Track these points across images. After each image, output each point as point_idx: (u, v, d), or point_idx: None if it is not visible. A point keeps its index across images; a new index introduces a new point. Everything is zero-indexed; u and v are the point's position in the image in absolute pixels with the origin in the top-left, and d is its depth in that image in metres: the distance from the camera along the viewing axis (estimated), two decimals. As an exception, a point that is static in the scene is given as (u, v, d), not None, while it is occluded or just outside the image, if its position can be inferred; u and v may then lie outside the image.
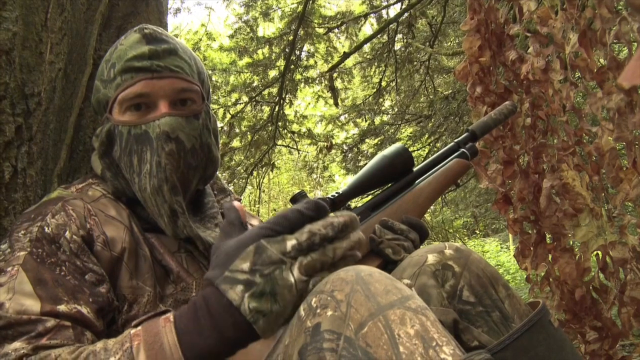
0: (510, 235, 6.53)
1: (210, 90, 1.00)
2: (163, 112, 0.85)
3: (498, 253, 6.78)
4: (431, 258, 0.83)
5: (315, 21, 5.30)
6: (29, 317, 0.70)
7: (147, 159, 0.84)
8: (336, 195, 0.93)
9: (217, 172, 0.99)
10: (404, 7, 4.89)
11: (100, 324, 0.77)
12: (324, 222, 0.66)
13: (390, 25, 5.02)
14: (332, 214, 0.68)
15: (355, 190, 0.96)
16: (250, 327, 0.63)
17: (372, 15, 5.49)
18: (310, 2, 4.93)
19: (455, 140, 1.10)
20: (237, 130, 5.72)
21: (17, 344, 0.69)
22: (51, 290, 0.74)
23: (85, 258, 0.79)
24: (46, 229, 0.78)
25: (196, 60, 0.94)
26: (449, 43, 5.81)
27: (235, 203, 0.73)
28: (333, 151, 6.39)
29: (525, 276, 1.60)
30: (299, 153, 7.69)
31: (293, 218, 0.65)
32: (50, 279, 0.75)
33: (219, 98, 5.78)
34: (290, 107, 5.95)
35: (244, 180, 6.02)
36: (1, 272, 0.75)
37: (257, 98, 5.63)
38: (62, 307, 0.73)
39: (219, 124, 5.53)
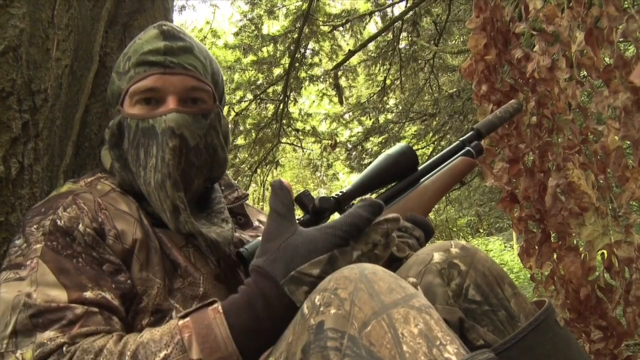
0: (514, 234, 6.52)
1: (225, 91, 1.00)
2: (171, 107, 0.85)
3: (502, 252, 6.76)
4: (437, 256, 0.83)
5: (320, 19, 5.30)
6: (58, 304, 0.71)
7: (153, 153, 0.84)
8: (340, 194, 0.93)
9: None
10: (408, 5, 4.87)
11: (124, 310, 0.77)
12: (382, 231, 0.71)
13: (395, 24, 5.01)
14: (383, 217, 0.72)
15: (360, 189, 0.96)
16: None
17: (376, 13, 5.48)
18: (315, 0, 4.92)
19: (461, 139, 1.09)
20: (242, 128, 5.73)
21: (50, 333, 0.69)
22: (75, 278, 0.74)
23: (101, 249, 0.79)
24: (59, 222, 0.78)
25: (212, 62, 0.94)
26: (454, 41, 5.79)
27: (284, 180, 0.76)
28: (337, 149, 6.39)
29: (528, 275, 1.60)
30: (303, 151, 7.69)
31: (363, 226, 0.70)
32: (71, 268, 0.75)
33: (223, 95, 5.77)
34: (294, 105, 5.95)
35: (248, 178, 6.03)
36: (21, 266, 0.75)
37: (261, 96, 5.62)
38: (88, 294, 0.73)
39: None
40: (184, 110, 0.86)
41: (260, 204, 9.22)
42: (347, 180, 10.62)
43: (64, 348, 0.67)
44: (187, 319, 0.68)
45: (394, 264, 0.90)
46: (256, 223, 1.05)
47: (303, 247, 0.68)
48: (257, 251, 0.72)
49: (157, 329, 0.68)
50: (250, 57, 5.68)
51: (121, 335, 0.70)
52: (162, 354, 0.64)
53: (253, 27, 5.58)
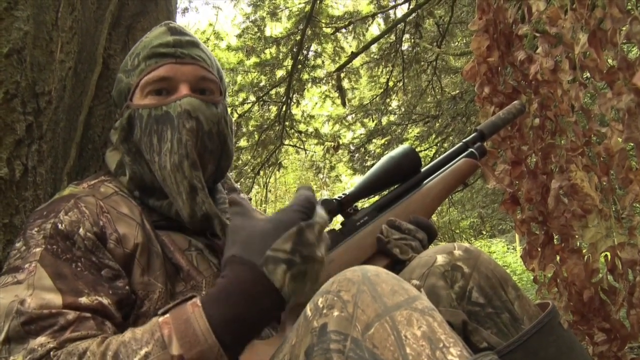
0: (516, 236, 6.50)
1: (227, 92, 1.02)
2: (184, 93, 0.88)
3: (505, 254, 6.76)
4: (440, 259, 0.83)
5: (323, 21, 5.31)
6: (50, 311, 0.71)
7: (167, 138, 0.86)
8: (343, 196, 0.93)
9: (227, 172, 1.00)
10: (411, 7, 4.87)
11: (120, 316, 0.77)
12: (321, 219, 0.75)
13: (398, 26, 5.01)
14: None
15: (362, 191, 0.96)
16: (285, 305, 0.69)
17: (379, 15, 5.48)
18: (318, 2, 4.92)
19: (464, 140, 1.09)
20: (244, 130, 5.73)
21: (42, 339, 0.69)
22: (71, 283, 0.74)
23: (101, 254, 0.79)
24: (59, 225, 0.79)
25: (215, 59, 0.97)
26: (457, 43, 5.79)
27: (237, 197, 0.83)
28: (340, 151, 6.39)
29: (531, 277, 1.60)
30: (305, 153, 7.69)
31: (313, 200, 0.75)
32: (69, 273, 0.75)
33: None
34: (297, 106, 5.95)
35: (250, 180, 6.03)
36: (19, 269, 0.75)
37: (264, 98, 5.63)
38: (83, 299, 0.73)
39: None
40: (197, 96, 0.88)
41: (263, 206, 9.22)
42: (350, 182, 10.62)
43: (52, 353, 0.67)
44: (167, 315, 0.68)
45: (397, 266, 0.90)
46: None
47: (270, 228, 0.71)
48: (225, 247, 0.74)
49: (139, 328, 0.68)
50: (253, 59, 5.68)
51: (106, 337, 0.70)
52: (142, 352, 0.64)
53: (256, 29, 5.60)
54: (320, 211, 0.75)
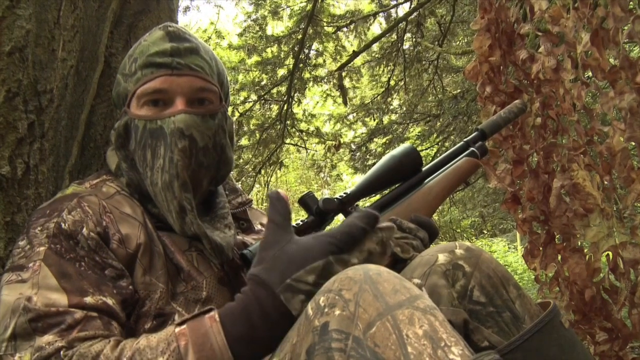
0: (517, 236, 6.50)
1: (230, 92, 1.01)
2: (179, 109, 0.85)
3: (506, 253, 6.75)
4: (442, 258, 0.83)
5: (324, 20, 5.30)
6: (57, 309, 0.71)
7: (160, 154, 0.84)
8: (344, 195, 0.93)
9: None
10: (413, 6, 4.87)
11: (124, 315, 0.78)
12: (377, 239, 0.71)
13: (399, 25, 5.01)
14: (378, 226, 0.73)
15: (364, 190, 0.96)
16: None
17: (381, 14, 5.48)
18: (319, 0, 4.92)
19: (465, 139, 1.09)
20: (246, 129, 5.73)
21: (49, 337, 0.69)
22: (76, 282, 0.74)
23: (104, 254, 0.79)
24: (63, 225, 0.79)
25: (217, 62, 0.94)
26: (458, 42, 5.79)
27: (281, 191, 0.76)
28: (341, 150, 6.39)
29: (533, 277, 1.60)
30: (307, 152, 7.68)
31: (358, 235, 0.70)
32: (73, 272, 0.75)
33: (227, 96, 5.78)
34: (298, 105, 5.96)
35: (251, 179, 6.04)
36: (23, 268, 0.75)
37: (265, 96, 5.63)
38: (88, 299, 0.73)
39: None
40: (193, 111, 0.86)
41: (264, 205, 9.22)
42: (351, 181, 10.62)
43: (62, 352, 0.67)
44: (184, 326, 0.68)
45: (398, 265, 0.90)
46: (258, 227, 1.05)
47: (298, 254, 0.69)
48: (254, 260, 0.73)
49: (153, 335, 0.68)
50: (255, 58, 5.68)
51: (118, 341, 0.70)
52: None
53: (257, 28, 5.59)
54: (370, 245, 0.70)
